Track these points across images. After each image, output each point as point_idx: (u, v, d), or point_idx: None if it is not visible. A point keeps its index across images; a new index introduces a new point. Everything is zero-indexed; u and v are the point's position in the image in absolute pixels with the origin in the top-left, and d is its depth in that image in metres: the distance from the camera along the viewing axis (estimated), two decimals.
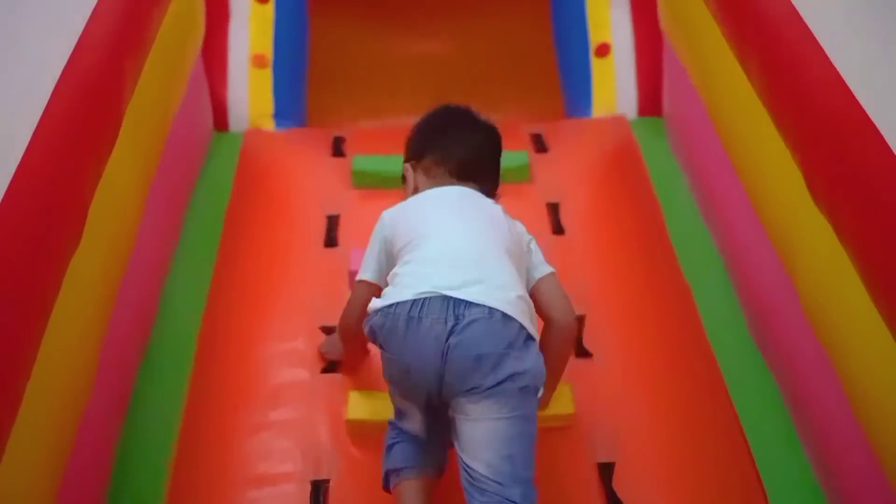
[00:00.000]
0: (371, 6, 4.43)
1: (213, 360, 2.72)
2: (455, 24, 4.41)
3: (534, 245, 2.45)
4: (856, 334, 2.20)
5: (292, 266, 2.99)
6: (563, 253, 2.93)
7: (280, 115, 3.83)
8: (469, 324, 2.21)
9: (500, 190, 2.65)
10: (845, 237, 2.18)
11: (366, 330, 2.32)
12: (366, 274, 2.48)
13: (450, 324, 2.21)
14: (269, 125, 3.81)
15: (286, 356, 2.70)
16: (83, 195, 2.22)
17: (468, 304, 2.22)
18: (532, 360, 2.23)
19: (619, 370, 2.69)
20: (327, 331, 2.73)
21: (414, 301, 2.24)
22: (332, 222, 3.14)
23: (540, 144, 3.58)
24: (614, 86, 3.88)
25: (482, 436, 2.18)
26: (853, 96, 2.16)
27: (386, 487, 2.34)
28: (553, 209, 3.20)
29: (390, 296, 2.29)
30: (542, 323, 2.37)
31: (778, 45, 2.51)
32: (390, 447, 2.35)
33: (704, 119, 3.22)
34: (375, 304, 2.30)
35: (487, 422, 2.19)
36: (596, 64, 3.90)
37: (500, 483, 2.15)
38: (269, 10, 3.89)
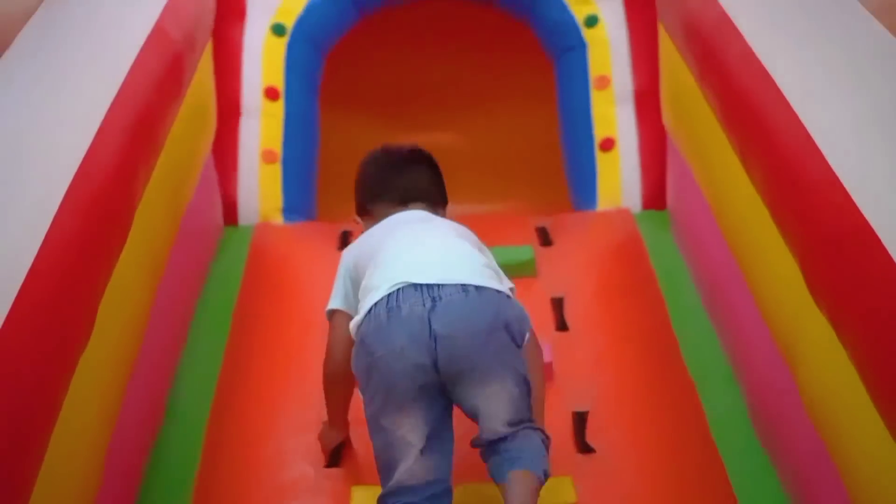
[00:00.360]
0: (380, 102, 4.50)
1: (219, 459, 2.73)
2: (463, 118, 4.48)
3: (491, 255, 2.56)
4: (856, 434, 2.21)
5: (300, 362, 3.00)
6: (567, 349, 2.95)
7: (289, 209, 3.89)
8: (447, 304, 2.32)
9: None
10: (845, 338, 2.19)
11: (355, 348, 2.40)
12: (334, 303, 2.59)
13: (427, 305, 2.31)
14: (278, 219, 3.87)
15: (292, 453, 2.71)
16: (93, 296, 2.25)
17: (440, 286, 2.33)
18: (515, 314, 2.38)
19: (623, 467, 2.68)
20: None
21: (388, 294, 2.34)
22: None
23: (545, 238, 3.63)
24: (619, 179, 3.94)
25: (492, 405, 2.29)
26: (853, 202, 2.19)
27: None
28: (557, 304, 3.23)
29: (366, 304, 2.39)
30: None
31: (779, 151, 2.53)
32: None
33: (708, 213, 3.26)
34: (356, 319, 2.41)
35: (494, 392, 2.29)
36: (601, 158, 3.96)
37: (514, 423, 2.29)
38: (280, 106, 3.96)
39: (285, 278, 3.41)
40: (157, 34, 3.01)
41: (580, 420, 2.75)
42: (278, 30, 3.99)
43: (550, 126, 4.22)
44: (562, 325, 3.15)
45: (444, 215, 2.71)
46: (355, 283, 2.53)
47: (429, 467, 2.29)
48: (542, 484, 2.26)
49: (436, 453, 2.30)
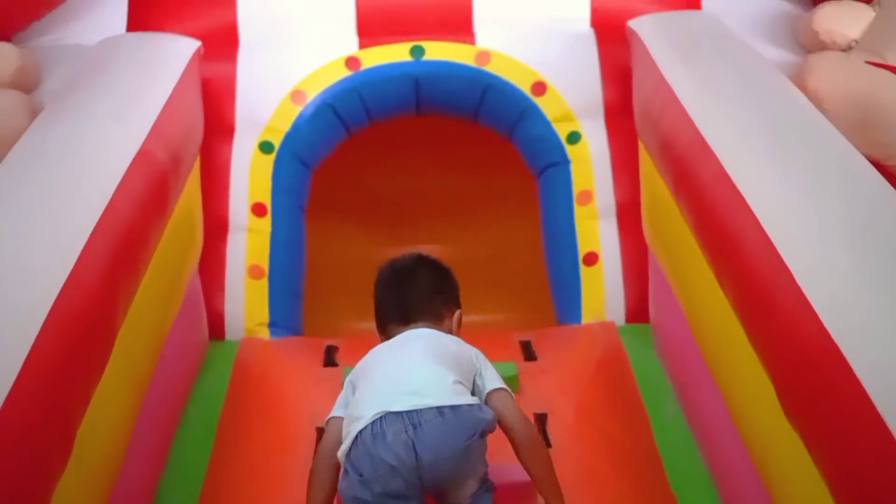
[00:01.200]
0: (367, 214, 4.57)
1: None
2: (449, 229, 4.55)
3: (486, 364, 2.79)
4: None
5: (282, 480, 3.01)
6: None
7: (275, 324, 3.93)
8: (428, 430, 2.53)
9: None
10: (817, 457, 2.21)
11: (343, 472, 2.58)
12: (336, 412, 2.76)
13: (409, 432, 2.53)
14: (264, 334, 3.90)
15: None
16: (72, 418, 2.26)
17: (418, 411, 2.55)
18: (487, 413, 2.62)
19: None
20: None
21: (372, 422, 2.55)
22: (322, 435, 3.17)
23: (529, 352, 3.65)
24: (603, 293, 3.98)
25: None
26: (822, 325, 2.21)
27: None
28: (541, 421, 3.24)
29: (352, 431, 2.58)
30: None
31: (749, 271, 2.57)
32: None
33: (685, 326, 3.29)
34: (343, 447, 2.59)
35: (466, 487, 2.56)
36: (584, 272, 4.00)
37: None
38: (267, 222, 4.02)
39: (269, 393, 3.43)
40: (143, 156, 3.07)
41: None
42: (266, 147, 4.06)
43: (537, 238, 4.28)
44: (545, 442, 3.15)
45: (450, 321, 2.91)
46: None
47: None
48: None
49: None
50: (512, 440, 2.68)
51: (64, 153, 3.00)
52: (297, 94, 4.10)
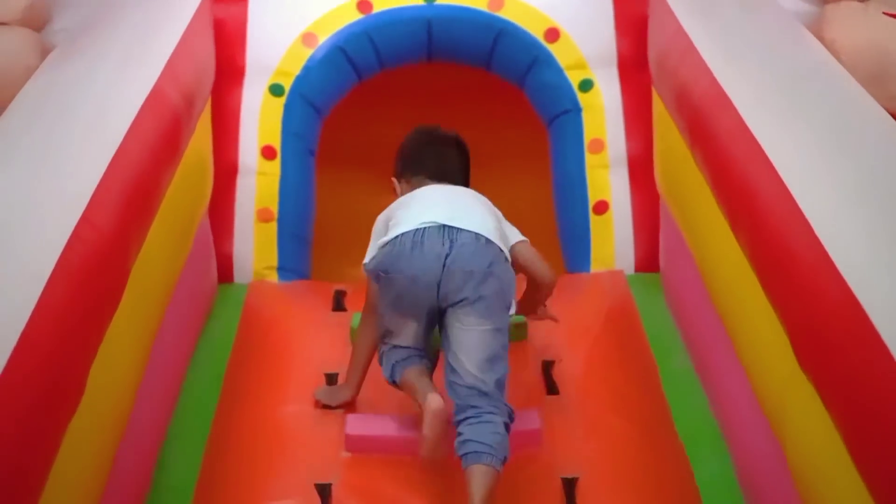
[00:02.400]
0: (377, 162, 4.52)
1: None
2: None
3: (507, 222, 3.08)
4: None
5: (289, 425, 3.01)
6: (557, 414, 2.96)
7: (284, 268, 3.92)
8: (462, 246, 2.84)
9: None
10: (832, 410, 2.20)
11: (372, 266, 2.92)
12: (368, 257, 3.00)
13: (446, 246, 2.83)
14: (273, 278, 3.90)
15: None
16: (85, 358, 2.26)
17: (459, 230, 2.86)
18: (509, 277, 2.90)
19: None
20: (329, 379, 3.07)
21: (416, 230, 2.87)
22: (331, 381, 3.17)
23: None
24: (612, 242, 3.97)
25: (469, 338, 2.77)
26: (841, 276, 2.20)
27: (393, 382, 2.85)
28: (548, 368, 3.24)
29: (394, 230, 2.90)
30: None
31: (768, 223, 2.56)
32: (386, 352, 2.88)
33: (698, 277, 3.28)
34: (383, 239, 2.91)
35: (474, 329, 2.78)
36: (594, 221, 3.99)
37: (482, 378, 2.72)
38: (276, 166, 3.99)
39: (278, 337, 3.43)
40: (156, 96, 3.05)
41: (569, 486, 2.76)
42: (276, 90, 4.03)
43: (545, 187, 4.26)
44: (552, 389, 3.16)
45: None
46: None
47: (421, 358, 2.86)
48: (499, 471, 2.61)
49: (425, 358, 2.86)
50: (532, 279, 3.08)
51: (76, 94, 2.99)
52: (308, 37, 4.06)
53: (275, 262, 3.92)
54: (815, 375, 2.29)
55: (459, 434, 2.65)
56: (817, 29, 4.11)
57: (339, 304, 3.61)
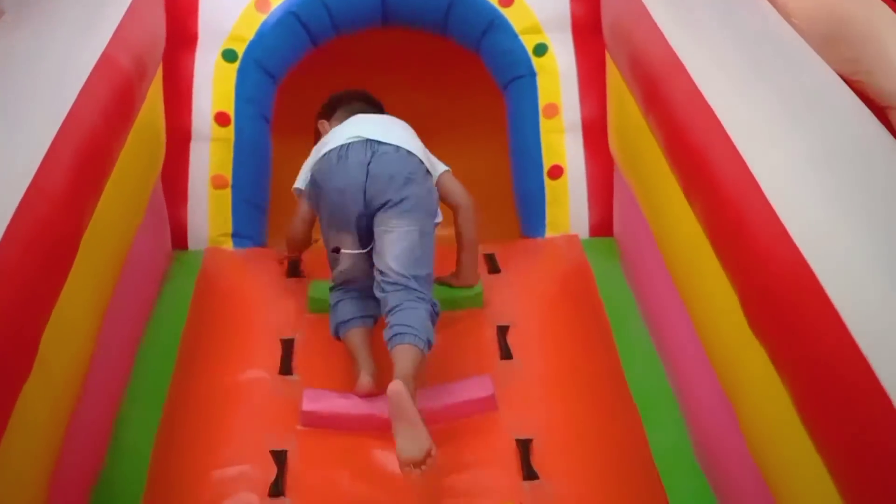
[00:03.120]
0: None
1: (164, 486, 2.73)
2: None
3: (430, 155, 3.35)
4: (795, 469, 2.25)
5: (246, 392, 3.01)
6: (511, 378, 2.97)
7: (239, 234, 3.89)
8: (382, 154, 3.14)
9: (454, 316, 3.25)
10: (784, 374, 2.23)
11: (306, 189, 3.28)
12: (299, 183, 3.37)
13: (367, 155, 3.13)
14: (228, 245, 3.87)
15: (235, 481, 2.72)
16: (36, 325, 2.25)
17: (381, 143, 3.17)
18: (429, 187, 3.19)
19: (567, 494, 2.71)
20: (285, 345, 3.18)
21: (341, 146, 3.18)
22: (287, 347, 3.17)
23: (493, 265, 3.65)
24: (568, 207, 3.97)
25: (393, 239, 3.02)
26: (793, 243, 2.22)
27: (336, 336, 3.08)
28: (502, 333, 3.25)
29: (323, 150, 3.22)
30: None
31: (721, 190, 2.56)
32: (335, 305, 3.11)
33: (652, 242, 3.29)
34: (312, 159, 3.29)
35: (398, 230, 3.03)
36: (549, 185, 3.99)
37: (404, 275, 2.95)
38: (230, 132, 3.96)
39: (234, 303, 3.41)
40: (106, 61, 3.01)
41: (524, 447, 2.78)
42: (229, 55, 3.99)
43: (501, 154, 4.26)
44: (506, 354, 3.17)
45: None
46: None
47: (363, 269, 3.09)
48: (423, 352, 2.82)
49: (367, 299, 3.07)
50: (456, 209, 3.33)
51: (25, 62, 2.94)
52: (261, 2, 4.02)
53: (229, 228, 3.89)
54: (767, 344, 2.31)
55: (387, 325, 2.89)
56: None
57: (294, 271, 3.60)
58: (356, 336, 3.05)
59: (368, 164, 3.11)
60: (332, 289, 3.17)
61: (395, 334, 2.83)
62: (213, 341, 3.23)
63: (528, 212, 4.04)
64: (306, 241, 3.46)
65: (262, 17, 4.01)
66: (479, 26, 4.09)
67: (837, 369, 2.03)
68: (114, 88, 3.00)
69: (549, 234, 3.94)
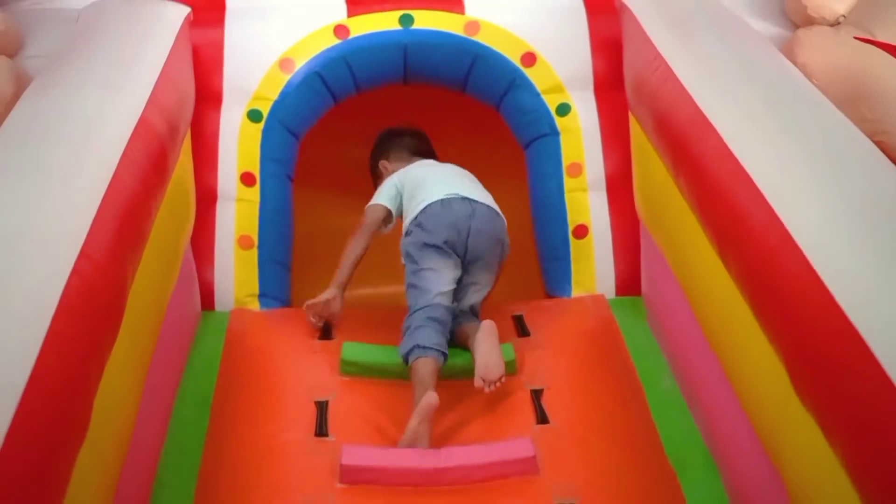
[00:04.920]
0: (348, 182, 4.53)
1: None
2: None
3: None
4: None
5: (283, 454, 3.00)
6: (550, 442, 2.97)
7: (265, 295, 3.90)
8: (482, 213, 3.54)
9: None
10: (832, 438, 2.23)
11: (412, 229, 3.55)
12: (380, 199, 3.72)
13: (468, 211, 3.52)
14: (254, 305, 3.88)
15: None
16: (89, 392, 2.26)
17: (476, 201, 3.57)
18: (507, 244, 3.63)
19: None
20: (319, 407, 3.18)
21: (441, 200, 3.54)
22: (322, 409, 3.17)
23: (522, 327, 3.66)
24: (593, 266, 3.98)
25: (478, 290, 3.55)
26: (836, 303, 2.23)
27: (405, 359, 3.22)
28: (537, 396, 3.24)
29: (422, 202, 3.58)
30: None
31: (758, 250, 2.58)
32: (416, 329, 3.26)
33: (682, 300, 3.30)
34: (412, 214, 3.58)
35: (482, 284, 3.56)
36: (574, 245, 4.01)
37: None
38: (256, 192, 3.98)
39: (265, 365, 3.41)
40: (143, 125, 3.04)
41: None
42: (254, 115, 4.02)
43: (521, 208, 4.28)
44: (542, 418, 3.16)
45: None
46: (399, 193, 3.69)
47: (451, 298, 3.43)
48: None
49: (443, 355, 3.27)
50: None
51: (62, 124, 2.96)
52: (285, 62, 4.06)
53: (256, 289, 3.90)
54: (812, 403, 2.32)
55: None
56: (789, 52, 4.17)
57: (326, 333, 3.60)
58: (429, 365, 3.18)
59: (471, 218, 3.51)
60: (411, 313, 3.34)
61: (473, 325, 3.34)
62: (246, 404, 3.22)
63: (553, 271, 4.05)
64: (367, 241, 3.66)
65: (286, 77, 4.05)
66: (500, 86, 4.14)
67: (887, 430, 2.04)
68: (151, 153, 3.02)
69: (575, 293, 3.95)
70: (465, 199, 3.54)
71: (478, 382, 3.13)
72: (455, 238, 3.46)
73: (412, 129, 4.10)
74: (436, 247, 3.44)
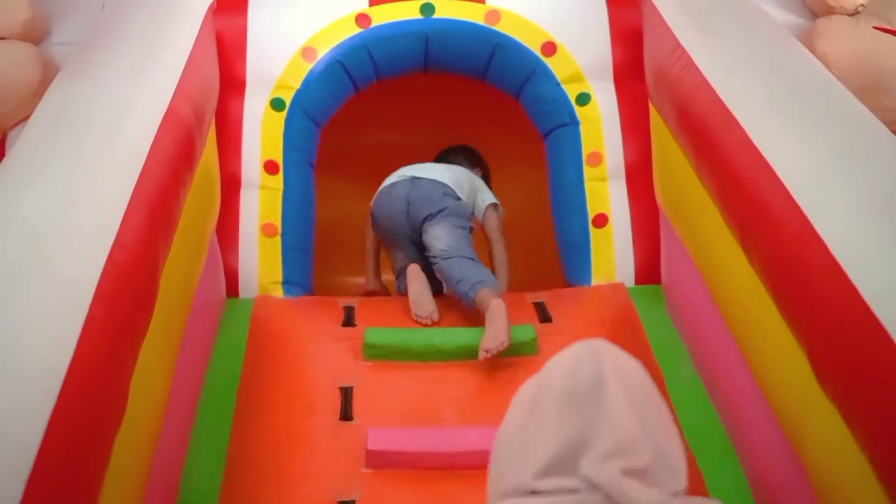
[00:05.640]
0: (366, 169, 4.57)
1: None
2: None
3: (484, 188, 4.13)
4: None
5: (309, 439, 3.04)
6: None
7: (289, 282, 3.94)
8: (421, 186, 3.91)
9: (508, 362, 3.31)
10: (854, 426, 2.26)
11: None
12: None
13: (408, 188, 3.93)
14: (278, 292, 3.91)
15: None
16: (126, 376, 2.30)
17: (420, 178, 3.94)
18: (461, 203, 3.92)
19: None
20: (344, 393, 3.25)
21: (390, 184, 3.99)
22: (346, 394, 3.21)
23: (543, 314, 3.69)
24: (613, 255, 4.01)
25: (438, 234, 3.76)
26: (857, 292, 2.26)
27: (401, 290, 3.79)
28: None
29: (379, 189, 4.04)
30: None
31: (781, 241, 2.61)
32: (400, 279, 3.85)
33: (702, 288, 3.33)
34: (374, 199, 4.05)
35: (440, 229, 3.78)
36: (594, 234, 4.03)
37: (455, 249, 3.72)
38: (279, 180, 4.02)
39: (290, 351, 3.45)
40: (171, 114, 3.07)
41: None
42: (277, 104, 4.06)
43: (538, 198, 4.31)
44: None
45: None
46: None
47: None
48: (496, 290, 3.57)
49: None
50: (490, 247, 4.01)
51: (93, 113, 2.99)
52: (307, 51, 4.09)
53: (279, 276, 3.94)
54: (834, 392, 2.35)
55: (457, 293, 3.62)
56: (808, 42, 4.20)
57: (349, 320, 3.64)
58: (414, 270, 3.74)
59: (408, 194, 3.90)
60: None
61: (469, 288, 3.54)
62: (272, 390, 3.26)
63: (573, 259, 4.08)
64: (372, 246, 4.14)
65: (309, 66, 4.08)
66: (520, 75, 4.16)
67: None
68: (179, 141, 3.06)
69: (595, 281, 3.98)
70: (410, 178, 3.97)
71: (481, 354, 3.32)
72: (394, 219, 3.92)
73: (458, 145, 4.47)
74: (385, 233, 3.98)
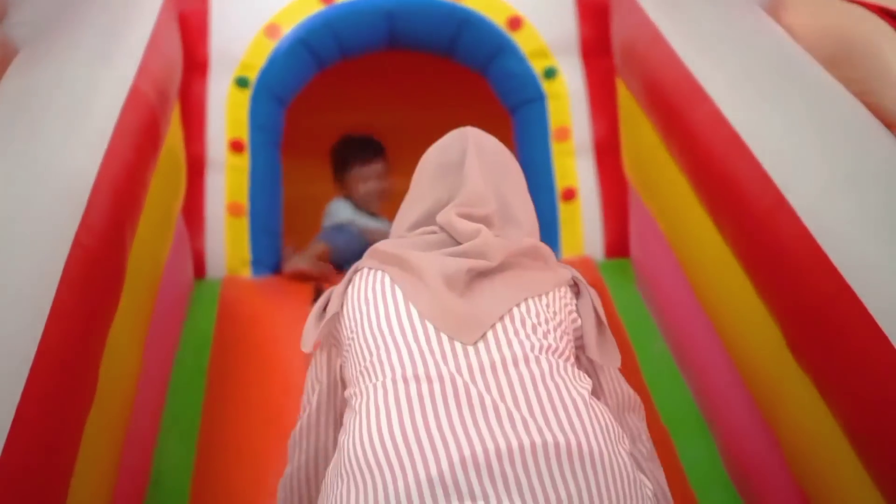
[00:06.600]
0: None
1: None
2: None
3: None
4: (840, 486, 2.29)
5: (281, 420, 3.02)
6: None
7: (257, 262, 3.92)
8: None
9: None
10: (829, 398, 2.26)
11: None
12: None
13: None
14: (246, 273, 3.89)
15: None
16: (95, 360, 2.28)
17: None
18: None
19: None
20: None
21: None
22: None
23: None
24: (581, 229, 4.01)
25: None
26: (832, 263, 2.26)
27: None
28: None
29: None
30: None
31: (753, 216, 2.59)
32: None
33: (672, 262, 3.33)
34: None
35: None
36: (563, 208, 4.03)
37: None
38: (245, 159, 3.99)
39: (259, 331, 3.44)
40: (134, 95, 3.03)
41: None
42: (242, 83, 4.02)
43: None
44: None
45: None
46: None
47: None
48: None
49: None
50: None
51: (56, 95, 2.95)
52: (271, 29, 4.05)
53: (248, 256, 3.91)
54: (809, 363, 2.35)
55: None
56: (773, 13, 4.17)
57: (318, 299, 3.61)
58: None
59: None
60: None
61: None
62: (242, 370, 3.25)
63: (542, 235, 4.04)
64: None
65: (273, 44, 4.04)
66: (487, 51, 4.14)
67: (887, 392, 2.07)
68: (143, 122, 3.02)
69: (563, 256, 3.98)
70: None
71: None
72: None
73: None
74: None
